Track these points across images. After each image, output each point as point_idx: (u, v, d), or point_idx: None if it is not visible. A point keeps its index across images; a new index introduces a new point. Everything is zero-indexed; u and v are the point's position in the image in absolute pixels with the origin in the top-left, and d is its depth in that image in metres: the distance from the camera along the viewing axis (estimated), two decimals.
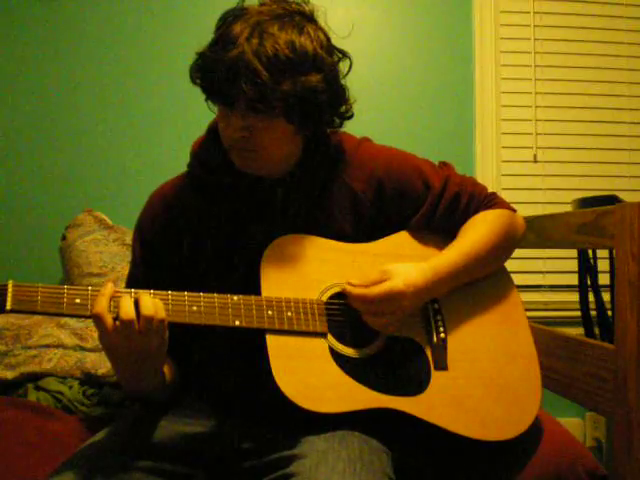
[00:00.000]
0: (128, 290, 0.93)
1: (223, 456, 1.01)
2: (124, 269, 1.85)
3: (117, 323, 0.88)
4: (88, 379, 1.56)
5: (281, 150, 1.05)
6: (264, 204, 1.11)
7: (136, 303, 0.90)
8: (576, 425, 2.32)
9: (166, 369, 1.04)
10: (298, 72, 0.96)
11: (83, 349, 1.61)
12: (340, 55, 1.07)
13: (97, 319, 0.88)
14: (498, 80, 2.38)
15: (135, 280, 1.15)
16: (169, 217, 1.14)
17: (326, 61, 1.01)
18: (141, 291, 0.92)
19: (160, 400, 1.07)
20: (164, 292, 0.94)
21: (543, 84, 2.40)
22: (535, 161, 2.39)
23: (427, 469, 1.06)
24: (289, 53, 0.95)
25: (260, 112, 0.97)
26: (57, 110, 2.22)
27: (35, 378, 1.55)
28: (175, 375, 1.10)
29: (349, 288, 1.03)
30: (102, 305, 0.88)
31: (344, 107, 1.09)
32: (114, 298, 0.90)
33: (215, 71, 0.97)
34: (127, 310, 0.88)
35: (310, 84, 0.97)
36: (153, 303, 0.90)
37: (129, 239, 1.96)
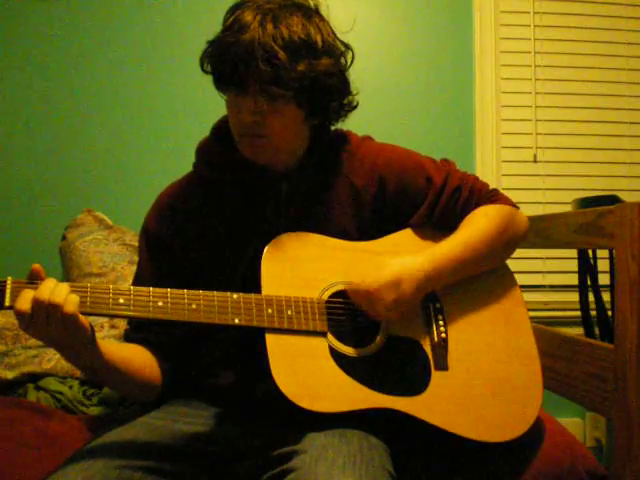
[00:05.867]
0: (128, 287, 0.93)
1: (223, 455, 1.01)
2: (124, 269, 1.85)
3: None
4: (88, 379, 1.56)
5: (289, 138, 1.07)
6: (268, 200, 1.11)
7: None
8: (576, 425, 2.32)
9: (123, 362, 1.01)
10: (312, 55, 1.00)
11: None
12: (343, 48, 1.10)
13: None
14: (498, 80, 2.38)
15: (141, 281, 1.14)
16: (175, 217, 1.14)
17: (335, 48, 1.05)
18: (139, 289, 0.93)
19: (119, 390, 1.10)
20: (163, 290, 0.94)
21: (543, 84, 2.40)
22: (535, 161, 2.39)
23: (427, 469, 1.06)
24: (303, 36, 0.99)
25: (273, 95, 0.99)
26: (57, 110, 2.22)
27: (35, 378, 1.55)
28: (144, 373, 1.07)
29: (349, 286, 1.04)
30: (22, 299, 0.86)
31: (348, 98, 1.11)
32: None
33: (230, 54, 0.98)
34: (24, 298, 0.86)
35: (323, 67, 1.01)
36: (63, 294, 0.87)
37: (129, 239, 1.96)
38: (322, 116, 1.09)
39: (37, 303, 0.86)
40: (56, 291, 0.87)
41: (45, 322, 0.86)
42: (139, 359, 1.08)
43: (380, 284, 1.02)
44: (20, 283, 0.87)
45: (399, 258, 1.06)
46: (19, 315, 0.86)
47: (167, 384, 1.12)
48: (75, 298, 0.88)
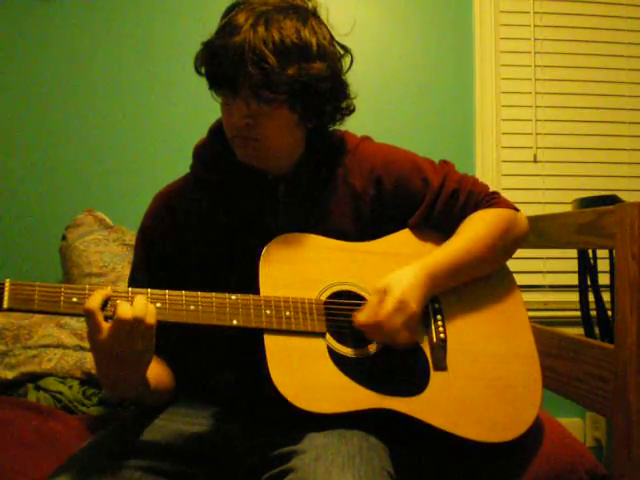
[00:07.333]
0: (125, 289, 0.92)
1: (223, 455, 1.01)
2: (124, 269, 1.85)
3: (108, 321, 0.86)
4: (88, 379, 1.56)
5: (283, 141, 1.06)
6: (266, 202, 1.11)
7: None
8: (576, 425, 2.32)
9: (154, 376, 1.00)
10: (303, 59, 0.98)
11: (83, 349, 1.62)
12: (342, 51, 1.09)
13: (88, 314, 0.85)
14: (498, 80, 2.38)
15: (136, 283, 1.14)
16: (172, 218, 1.14)
17: (329, 52, 1.03)
18: (138, 290, 0.92)
19: (144, 405, 1.06)
20: (161, 291, 0.94)
21: (543, 84, 2.40)
22: (535, 161, 2.39)
23: (426, 470, 1.05)
24: (295, 39, 0.98)
25: (264, 98, 0.98)
26: (57, 110, 2.23)
27: (35, 378, 1.55)
28: (166, 382, 1.07)
29: (360, 322, 1.01)
30: (96, 301, 0.86)
31: (345, 102, 1.10)
32: (111, 298, 0.89)
33: (220, 57, 0.97)
34: (124, 310, 0.85)
35: (315, 71, 0.99)
36: (145, 306, 0.88)
37: (129, 239, 1.96)
38: (316, 120, 1.08)
39: (134, 316, 0.86)
40: (150, 311, 0.88)
41: (128, 336, 0.86)
42: (165, 370, 1.08)
43: (388, 312, 1.00)
44: (19, 285, 0.87)
45: (396, 276, 1.04)
46: (118, 320, 0.85)
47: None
48: (154, 309, 0.89)
